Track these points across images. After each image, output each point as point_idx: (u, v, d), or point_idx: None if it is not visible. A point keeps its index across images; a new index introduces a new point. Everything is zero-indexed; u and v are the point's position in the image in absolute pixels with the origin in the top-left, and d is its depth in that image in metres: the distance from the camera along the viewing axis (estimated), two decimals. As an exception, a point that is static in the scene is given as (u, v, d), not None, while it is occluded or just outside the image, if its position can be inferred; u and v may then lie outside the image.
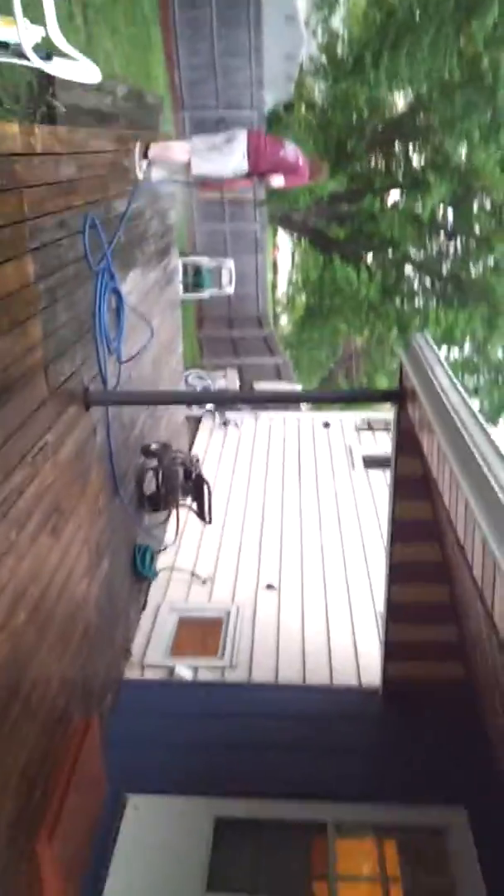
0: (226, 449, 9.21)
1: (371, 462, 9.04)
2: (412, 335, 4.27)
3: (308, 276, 21.17)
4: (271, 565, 6.74)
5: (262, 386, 11.42)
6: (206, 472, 7.72)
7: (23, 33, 2.72)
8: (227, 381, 10.68)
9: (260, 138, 5.65)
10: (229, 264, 10.42)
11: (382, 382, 18.72)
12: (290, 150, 5.67)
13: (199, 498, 5.96)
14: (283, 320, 26.30)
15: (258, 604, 6.20)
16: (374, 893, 4.14)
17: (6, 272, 3.22)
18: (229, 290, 10.53)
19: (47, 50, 2.89)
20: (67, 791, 3.79)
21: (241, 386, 11.20)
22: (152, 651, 5.56)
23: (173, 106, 12.88)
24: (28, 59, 2.72)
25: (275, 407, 10.91)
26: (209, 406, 9.68)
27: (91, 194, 4.56)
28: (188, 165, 5.63)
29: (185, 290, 9.78)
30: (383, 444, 9.57)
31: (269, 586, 6.41)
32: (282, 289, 27.32)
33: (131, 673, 5.37)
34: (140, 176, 5.53)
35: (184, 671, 5.31)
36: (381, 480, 8.43)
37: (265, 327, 15.48)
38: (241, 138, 5.54)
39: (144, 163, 5.57)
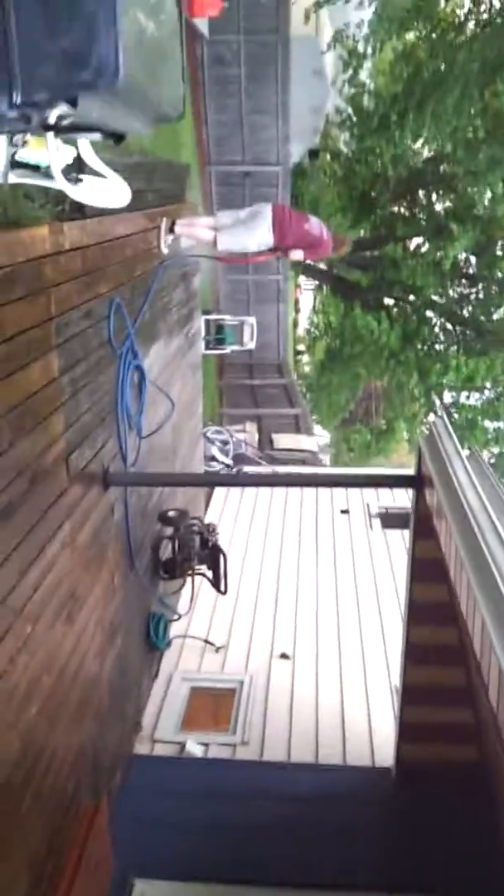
0: (243, 504, 9.23)
1: (389, 521, 9.02)
2: (432, 423, 4.32)
3: (329, 322, 21.35)
4: (286, 632, 6.72)
5: (281, 439, 11.48)
6: (223, 529, 7.77)
7: (53, 156, 2.80)
8: (247, 434, 10.75)
9: (285, 213, 5.76)
10: (251, 321, 10.56)
11: (402, 429, 18.78)
12: (315, 224, 5.78)
13: (214, 567, 5.99)
14: (304, 357, 26.52)
15: (272, 673, 6.18)
16: None
17: (31, 373, 3.31)
18: (251, 345, 10.66)
19: (77, 173, 2.98)
20: (74, 881, 3.79)
21: (260, 439, 11.26)
22: (163, 725, 5.55)
23: (199, 162, 13.15)
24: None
25: (292, 461, 10.97)
26: (228, 461, 9.75)
27: (117, 278, 4.67)
28: (214, 241, 5.74)
29: (207, 346, 9.91)
30: (401, 499, 9.55)
31: (284, 655, 6.39)
32: (304, 325, 27.64)
33: (142, 747, 5.36)
34: (165, 251, 5.65)
35: (194, 748, 5.29)
36: (399, 541, 8.40)
37: (285, 375, 15.59)
38: (266, 213, 5.65)
39: (170, 238, 5.69)
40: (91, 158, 3.00)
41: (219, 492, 9.77)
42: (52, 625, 3.64)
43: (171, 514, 6.03)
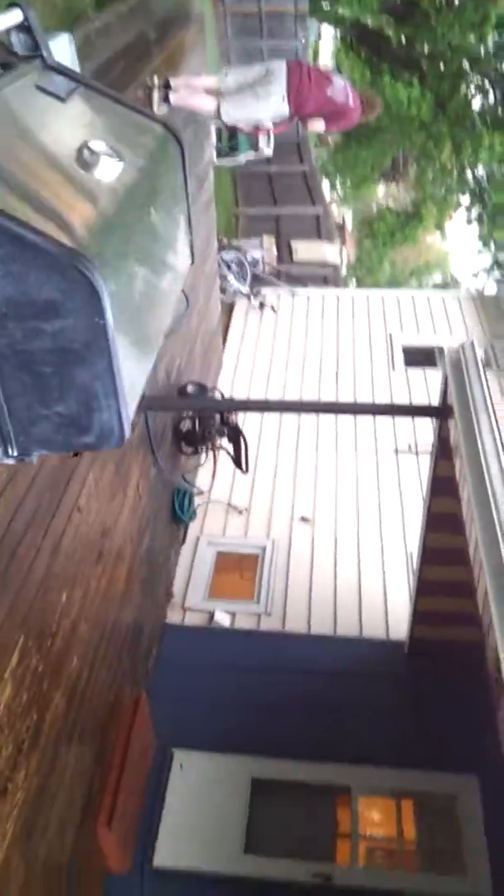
0: (257, 365, 8.75)
1: (413, 357, 8.79)
2: (460, 346, 4.10)
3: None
4: (306, 500, 6.84)
5: (301, 248, 10.92)
6: (239, 389, 7.69)
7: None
8: (265, 251, 10.20)
9: (302, 74, 4.79)
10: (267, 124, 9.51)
11: (430, 214, 17.70)
12: (339, 88, 4.89)
13: (235, 445, 6.01)
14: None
15: (293, 540, 6.42)
16: (391, 850, 4.75)
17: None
18: (268, 152, 9.66)
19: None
20: (122, 771, 4.26)
21: (279, 252, 10.72)
22: (192, 592, 5.92)
23: None
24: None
25: (313, 279, 10.55)
26: (244, 289, 9.38)
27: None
28: (217, 111, 4.94)
29: (219, 155, 9.08)
30: (426, 333, 9.29)
31: (304, 518, 6.61)
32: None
33: (173, 615, 5.76)
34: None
35: (222, 617, 5.68)
36: (422, 381, 8.25)
37: (305, 159, 14.39)
38: (281, 75, 4.73)
39: (165, 108, 4.92)
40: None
41: (238, 313, 9.44)
42: (87, 574, 3.78)
43: (189, 389, 5.95)
